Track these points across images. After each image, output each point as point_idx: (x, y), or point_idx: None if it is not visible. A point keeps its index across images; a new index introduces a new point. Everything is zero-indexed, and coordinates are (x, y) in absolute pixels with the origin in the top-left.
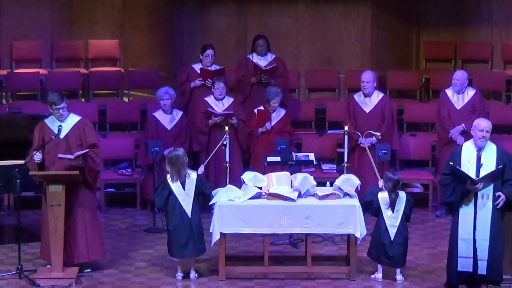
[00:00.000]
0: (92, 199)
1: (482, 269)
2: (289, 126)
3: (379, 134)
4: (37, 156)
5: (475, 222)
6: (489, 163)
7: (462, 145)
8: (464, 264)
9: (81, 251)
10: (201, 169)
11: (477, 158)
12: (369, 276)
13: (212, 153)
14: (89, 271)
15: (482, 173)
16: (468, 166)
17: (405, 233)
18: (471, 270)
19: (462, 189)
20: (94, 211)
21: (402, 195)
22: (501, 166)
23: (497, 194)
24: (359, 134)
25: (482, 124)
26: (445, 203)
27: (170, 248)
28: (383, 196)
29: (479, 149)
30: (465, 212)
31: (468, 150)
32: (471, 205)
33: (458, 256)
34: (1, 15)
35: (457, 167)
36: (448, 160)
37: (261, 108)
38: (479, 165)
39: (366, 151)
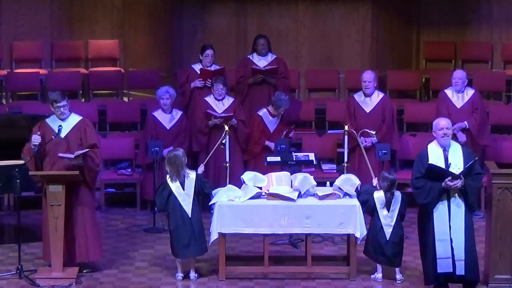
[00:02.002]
0: (91, 199)
1: (461, 269)
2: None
3: (373, 133)
4: (36, 138)
5: (449, 222)
6: (457, 162)
7: (427, 147)
8: (444, 265)
9: (80, 252)
10: (201, 169)
11: (444, 157)
12: (369, 276)
13: (212, 153)
14: (88, 271)
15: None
16: None
17: (400, 232)
18: (451, 271)
19: (439, 188)
20: (93, 211)
21: (398, 194)
22: (477, 158)
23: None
24: (356, 133)
25: (441, 122)
26: (421, 205)
27: (173, 248)
28: (379, 196)
29: (445, 149)
30: (440, 213)
31: (434, 151)
32: (445, 206)
33: (437, 257)
34: (1, 15)
35: (436, 165)
36: (416, 163)
37: (263, 110)
38: (447, 165)
39: (362, 150)
